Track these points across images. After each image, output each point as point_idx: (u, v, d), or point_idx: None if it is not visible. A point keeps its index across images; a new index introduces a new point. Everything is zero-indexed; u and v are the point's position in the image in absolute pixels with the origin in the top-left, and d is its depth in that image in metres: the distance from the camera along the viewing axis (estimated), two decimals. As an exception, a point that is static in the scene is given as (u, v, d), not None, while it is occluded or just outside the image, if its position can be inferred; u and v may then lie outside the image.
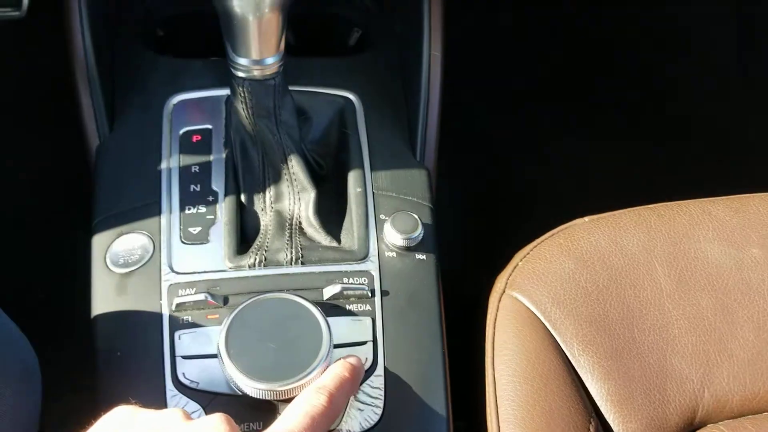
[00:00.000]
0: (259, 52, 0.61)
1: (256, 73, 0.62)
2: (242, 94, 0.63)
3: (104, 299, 0.59)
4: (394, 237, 0.61)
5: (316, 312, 0.53)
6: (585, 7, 1.26)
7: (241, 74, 0.62)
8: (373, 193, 0.65)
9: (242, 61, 0.61)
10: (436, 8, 0.73)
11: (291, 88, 0.68)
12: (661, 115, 1.26)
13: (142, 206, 0.63)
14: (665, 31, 1.30)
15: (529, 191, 1.13)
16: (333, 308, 0.57)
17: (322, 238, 0.63)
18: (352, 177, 0.66)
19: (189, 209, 0.63)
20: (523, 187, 1.14)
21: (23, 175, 1.13)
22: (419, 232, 0.61)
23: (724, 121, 1.25)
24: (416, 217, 0.62)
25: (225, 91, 0.70)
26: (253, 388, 0.51)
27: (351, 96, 0.71)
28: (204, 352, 0.56)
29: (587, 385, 0.59)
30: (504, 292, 0.64)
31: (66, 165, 0.86)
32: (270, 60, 0.62)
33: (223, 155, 0.66)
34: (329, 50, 0.85)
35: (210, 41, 0.82)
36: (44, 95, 1.15)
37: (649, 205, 0.68)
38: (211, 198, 0.64)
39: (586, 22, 1.28)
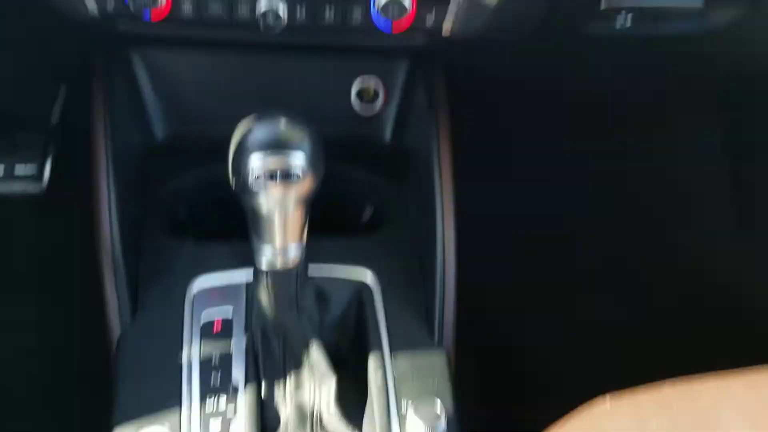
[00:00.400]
0: (282, 244, 0.63)
1: (280, 263, 0.64)
2: (265, 283, 0.65)
3: (122, 501, 0.57)
4: (417, 427, 0.60)
5: None
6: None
7: (264, 264, 0.64)
8: (394, 378, 0.65)
9: (266, 252, 0.64)
10: (447, 193, 0.77)
11: (310, 266, 0.69)
12: (664, 283, 1.29)
13: (162, 399, 0.63)
14: (665, 197, 1.36)
15: (544, 364, 1.13)
16: None
17: (343, 429, 0.62)
18: (372, 362, 0.66)
19: (209, 402, 0.63)
20: (537, 358, 1.14)
21: (41, 354, 1.13)
22: (443, 423, 0.60)
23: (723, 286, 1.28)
24: (439, 403, 0.62)
25: (245, 273, 0.72)
26: None
27: (368, 276, 0.73)
28: None
29: None
30: (530, 482, 0.62)
31: (83, 347, 0.87)
32: (292, 251, 0.64)
33: (244, 343, 0.67)
34: (342, 226, 0.88)
35: (228, 223, 0.86)
36: (65, 273, 1.18)
37: (669, 383, 0.67)
38: (231, 390, 0.63)
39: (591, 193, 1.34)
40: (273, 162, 0.58)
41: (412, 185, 0.87)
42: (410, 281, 0.76)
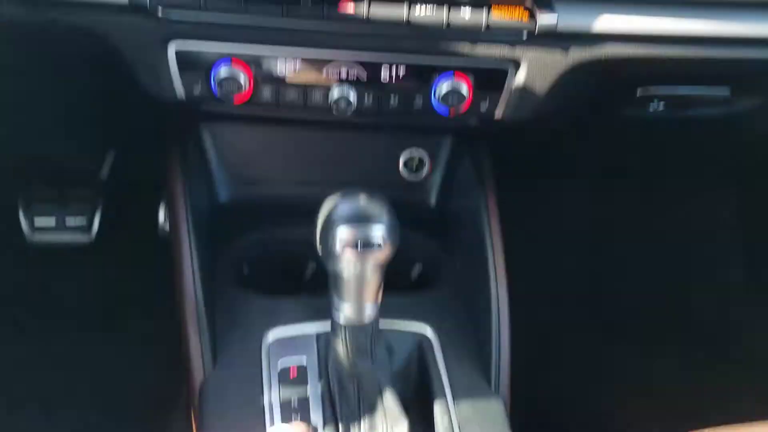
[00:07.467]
0: (360, 303, 0.71)
1: (357, 319, 0.71)
2: (343, 337, 0.72)
3: None
4: None
5: None
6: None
7: (343, 321, 0.72)
8: (458, 421, 0.72)
9: (346, 310, 0.71)
10: (499, 257, 0.85)
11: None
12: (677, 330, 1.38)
13: None
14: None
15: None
16: None
17: None
18: (438, 408, 0.73)
19: None
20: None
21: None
22: None
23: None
24: None
25: (314, 326, 0.79)
26: None
27: (427, 330, 0.81)
28: None
29: None
30: None
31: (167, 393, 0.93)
32: (369, 309, 0.71)
33: (319, 388, 0.74)
34: (393, 283, 0.95)
35: (285, 275, 0.93)
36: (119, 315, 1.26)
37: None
38: None
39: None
40: (357, 233, 0.66)
41: (458, 244, 0.95)
42: (465, 335, 0.83)
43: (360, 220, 0.67)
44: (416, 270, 0.96)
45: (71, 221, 1.39)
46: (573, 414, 1.22)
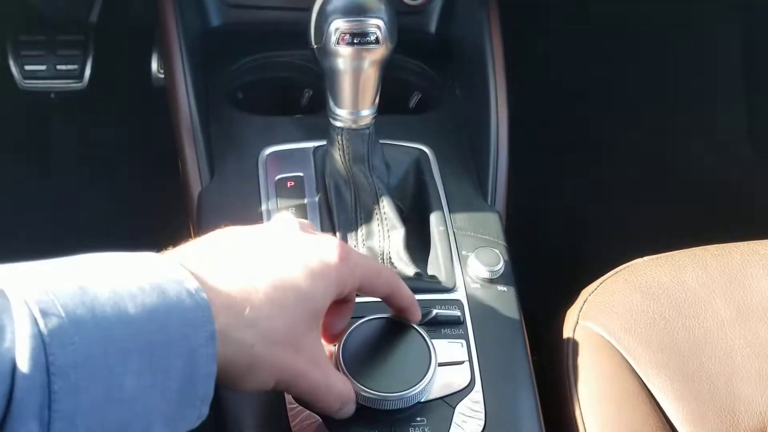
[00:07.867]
0: (357, 104, 0.69)
1: (354, 123, 0.70)
2: (340, 142, 0.71)
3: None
4: (479, 270, 0.67)
5: (423, 333, 0.58)
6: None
7: (340, 124, 0.70)
8: (454, 232, 0.72)
9: (342, 112, 0.69)
10: (500, 77, 0.82)
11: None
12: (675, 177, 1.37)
13: None
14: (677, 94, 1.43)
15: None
16: (429, 332, 0.62)
17: (411, 271, 0.68)
18: (434, 218, 0.72)
19: None
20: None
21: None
22: (501, 265, 0.67)
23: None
24: (498, 252, 0.68)
25: (310, 144, 0.77)
26: (368, 395, 0.54)
27: (425, 148, 0.79)
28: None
29: (663, 406, 0.64)
30: (577, 323, 0.69)
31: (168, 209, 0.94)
32: (366, 112, 0.70)
33: (316, 198, 0.73)
34: (391, 111, 0.93)
35: (279, 102, 0.91)
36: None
37: (703, 246, 0.74)
38: None
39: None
40: (354, 26, 0.64)
41: (459, 71, 0.92)
42: (462, 154, 0.82)
43: (358, 12, 0.64)
44: (415, 99, 0.94)
45: (63, 68, 1.35)
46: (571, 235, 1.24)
